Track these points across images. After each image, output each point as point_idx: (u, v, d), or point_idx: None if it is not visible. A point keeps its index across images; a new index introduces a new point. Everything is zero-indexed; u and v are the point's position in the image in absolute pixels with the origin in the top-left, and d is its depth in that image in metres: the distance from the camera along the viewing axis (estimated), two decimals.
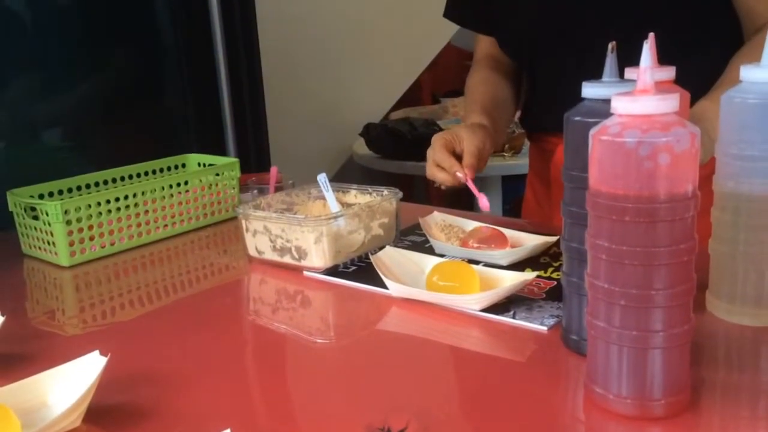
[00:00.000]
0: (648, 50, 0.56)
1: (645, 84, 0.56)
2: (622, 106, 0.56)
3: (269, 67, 1.97)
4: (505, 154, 2.38)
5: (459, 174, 1.07)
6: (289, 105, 2.38)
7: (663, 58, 0.74)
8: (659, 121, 0.54)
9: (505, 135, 2.18)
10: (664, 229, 0.55)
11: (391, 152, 2.50)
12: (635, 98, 0.55)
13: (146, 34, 1.72)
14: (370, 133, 2.56)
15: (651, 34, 0.72)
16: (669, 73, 0.73)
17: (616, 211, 0.56)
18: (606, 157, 0.56)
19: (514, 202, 2.52)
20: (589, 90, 0.66)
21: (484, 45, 1.30)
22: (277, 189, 1.29)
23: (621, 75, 0.70)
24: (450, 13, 1.31)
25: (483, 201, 1.07)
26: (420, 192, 3.32)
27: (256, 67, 1.91)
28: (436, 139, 1.12)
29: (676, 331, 0.58)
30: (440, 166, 1.10)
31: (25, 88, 1.47)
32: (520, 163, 2.29)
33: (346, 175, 2.80)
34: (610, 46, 0.65)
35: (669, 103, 0.55)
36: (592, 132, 0.58)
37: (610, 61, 0.66)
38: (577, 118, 0.65)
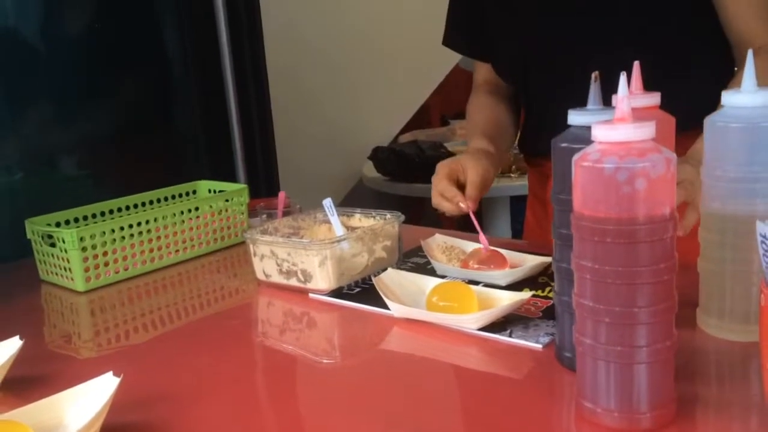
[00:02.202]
0: (624, 81, 0.59)
1: (622, 113, 0.59)
2: (601, 133, 0.59)
3: (278, 93, 2.01)
4: (512, 174, 2.41)
5: (462, 205, 1.09)
6: (298, 130, 2.41)
7: (649, 83, 0.77)
8: (636, 148, 0.58)
9: (507, 157, 2.19)
10: (645, 250, 0.58)
11: (400, 175, 2.53)
12: (613, 126, 0.58)
13: (156, 64, 1.77)
14: (378, 156, 2.60)
15: (636, 63, 0.75)
16: (654, 98, 0.76)
17: (598, 233, 0.59)
18: (587, 182, 0.60)
19: (522, 223, 2.54)
20: (575, 117, 0.69)
21: (483, 71, 1.33)
22: (285, 213, 1.32)
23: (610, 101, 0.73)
24: (447, 41, 1.35)
25: (483, 240, 1.07)
26: (430, 214, 3.34)
27: (265, 93, 1.95)
28: (440, 168, 1.13)
29: (659, 346, 0.60)
30: (444, 196, 1.11)
31: (40, 121, 1.52)
32: (527, 184, 2.31)
33: (356, 198, 2.82)
34: (593, 75, 0.68)
35: (645, 130, 0.58)
36: (574, 158, 0.61)
37: (594, 90, 0.69)
38: (564, 145, 0.69)
